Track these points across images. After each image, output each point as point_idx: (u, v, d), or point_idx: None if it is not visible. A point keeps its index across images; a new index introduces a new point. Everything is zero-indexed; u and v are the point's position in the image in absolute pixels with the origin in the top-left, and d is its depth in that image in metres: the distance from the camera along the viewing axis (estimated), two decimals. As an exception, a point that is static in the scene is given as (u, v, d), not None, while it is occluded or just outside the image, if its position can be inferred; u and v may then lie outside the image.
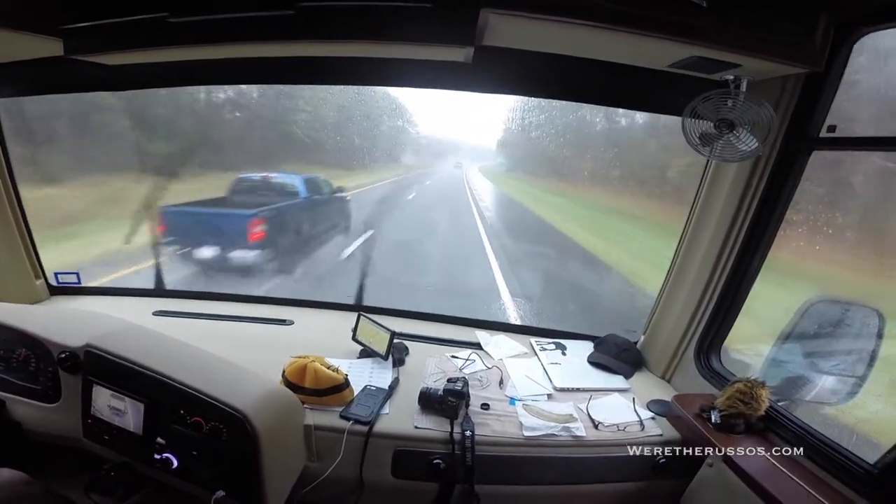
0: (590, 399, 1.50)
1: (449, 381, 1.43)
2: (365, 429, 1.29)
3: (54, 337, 1.26)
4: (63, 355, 1.22)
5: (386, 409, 1.39)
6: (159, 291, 2.13)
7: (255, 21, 0.92)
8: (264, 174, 5.20)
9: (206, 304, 2.07)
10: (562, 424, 1.34)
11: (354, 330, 1.75)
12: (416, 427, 1.31)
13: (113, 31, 1.00)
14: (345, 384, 1.41)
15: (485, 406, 1.44)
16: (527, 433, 1.31)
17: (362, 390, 1.46)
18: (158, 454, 1.11)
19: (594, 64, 1.24)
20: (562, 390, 1.57)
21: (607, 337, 1.86)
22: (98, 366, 1.20)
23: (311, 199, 5.13)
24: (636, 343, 1.84)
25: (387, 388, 1.48)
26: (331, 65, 1.18)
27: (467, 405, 1.41)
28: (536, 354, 1.82)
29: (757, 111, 1.11)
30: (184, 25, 0.95)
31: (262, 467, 1.07)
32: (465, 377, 1.47)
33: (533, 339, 1.94)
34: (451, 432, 1.29)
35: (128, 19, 0.97)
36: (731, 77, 1.15)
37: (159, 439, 1.13)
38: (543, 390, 1.55)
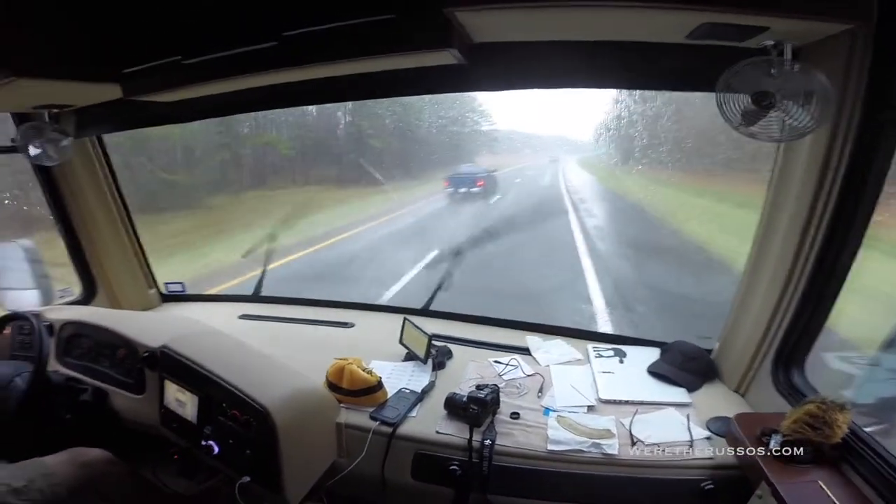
0: (635, 413, 1.38)
1: (477, 387, 1.43)
2: (389, 430, 1.36)
3: (141, 339, 1.54)
4: (146, 354, 1.48)
5: (414, 413, 1.45)
6: (247, 297, 2.44)
7: (249, 55, 1.04)
8: (468, 164, 11.87)
9: (285, 307, 2.33)
10: (592, 440, 1.27)
11: (401, 334, 1.83)
12: (438, 432, 1.35)
13: (155, 74, 1.21)
14: (377, 386, 1.49)
15: (514, 415, 1.41)
16: (551, 447, 1.27)
17: (397, 392, 1.53)
18: (205, 441, 1.30)
19: (608, 45, 1.15)
20: (607, 402, 1.47)
21: (674, 344, 1.69)
22: (169, 364, 1.44)
23: (488, 174, 11.31)
24: (710, 351, 1.64)
25: (419, 391, 1.53)
26: (334, 84, 1.27)
27: (494, 413, 1.40)
28: (590, 362, 1.72)
29: (804, 80, 0.94)
30: (196, 66, 1.11)
31: (281, 458, 1.20)
32: (495, 385, 1.46)
33: (591, 345, 1.84)
34: (470, 440, 1.29)
35: (161, 62, 1.16)
36: (771, 43, 0.98)
37: (207, 428, 1.32)
38: (585, 401, 1.47)
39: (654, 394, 1.50)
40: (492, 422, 1.37)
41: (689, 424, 1.32)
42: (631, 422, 1.35)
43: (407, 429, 1.38)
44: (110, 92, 1.37)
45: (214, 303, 2.41)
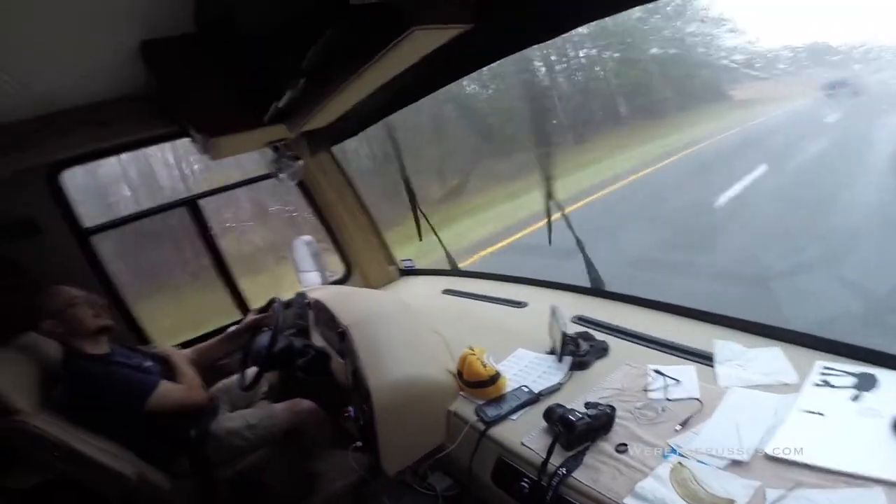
0: (796, 485, 0.92)
1: (587, 405, 1.28)
2: (483, 428, 1.40)
3: (341, 316, 2.03)
4: (340, 331, 1.97)
5: (516, 416, 1.42)
6: (459, 272, 2.78)
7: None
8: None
9: (482, 283, 2.52)
10: (691, 509, 0.94)
11: (550, 324, 1.74)
12: (522, 443, 1.29)
13: (286, 114, 1.60)
14: (488, 381, 1.52)
15: (621, 448, 1.18)
16: (628, 500, 1.02)
17: (515, 389, 1.52)
18: (351, 405, 1.67)
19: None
20: (770, 460, 1.03)
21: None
22: (347, 341, 1.87)
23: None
24: None
25: (536, 393, 1.47)
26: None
27: (594, 440, 1.21)
28: (800, 391, 1.20)
29: None
30: (290, 105, 1.42)
31: (378, 433, 1.44)
32: (610, 408, 1.25)
33: (823, 363, 1.26)
34: (546, 461, 1.19)
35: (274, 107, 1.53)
36: None
37: (356, 396, 1.68)
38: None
39: (865, 461, 0.94)
40: (585, 449, 1.20)
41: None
42: (780, 497, 0.91)
43: (499, 431, 1.37)
44: (283, 131, 1.87)
45: (434, 276, 2.85)
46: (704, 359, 1.43)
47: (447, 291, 2.52)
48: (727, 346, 1.45)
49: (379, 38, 0.96)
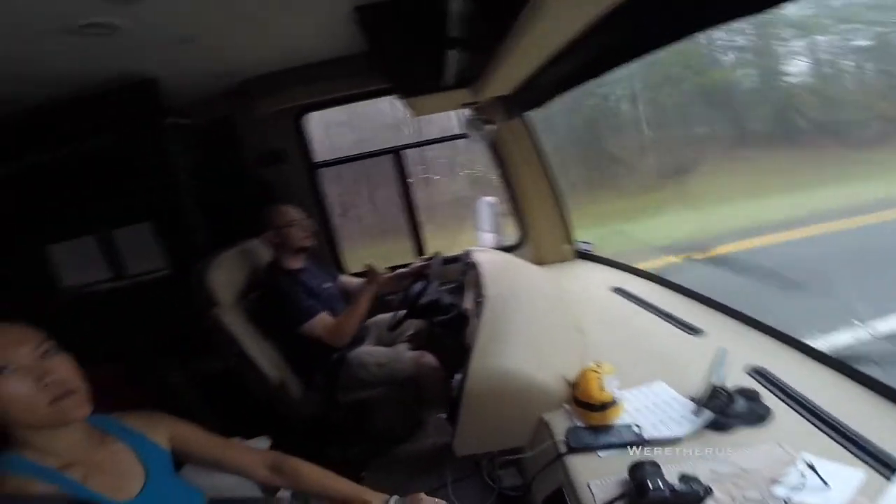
0: None
1: (682, 477, 1.10)
2: (560, 451, 1.33)
3: (487, 285, 2.07)
4: (479, 300, 2.04)
5: (604, 453, 1.29)
6: (640, 271, 2.48)
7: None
8: None
9: (670, 295, 2.20)
10: None
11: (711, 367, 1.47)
12: (588, 484, 1.19)
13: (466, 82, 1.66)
14: (597, 406, 1.41)
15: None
16: None
17: (625, 424, 1.37)
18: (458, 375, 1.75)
19: None
20: None
21: None
22: (476, 314, 1.94)
23: None
24: None
25: (644, 438, 1.30)
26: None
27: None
28: None
29: None
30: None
31: (459, 414, 1.51)
32: (705, 489, 1.06)
33: None
34: None
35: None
36: None
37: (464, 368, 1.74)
38: None
39: None
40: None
41: None
42: None
43: (576, 460, 1.28)
44: (467, 95, 1.94)
45: (610, 268, 2.63)
46: (887, 467, 1.06)
47: (617, 290, 2.29)
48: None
49: (508, 6, 0.92)
